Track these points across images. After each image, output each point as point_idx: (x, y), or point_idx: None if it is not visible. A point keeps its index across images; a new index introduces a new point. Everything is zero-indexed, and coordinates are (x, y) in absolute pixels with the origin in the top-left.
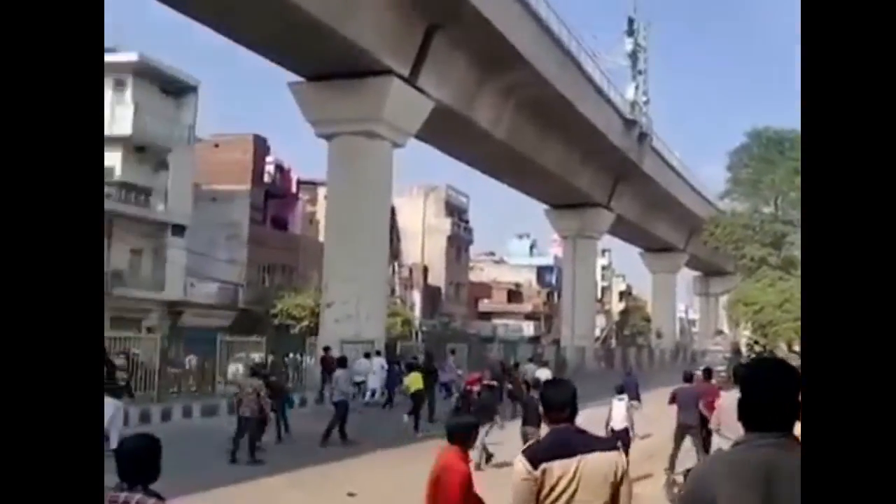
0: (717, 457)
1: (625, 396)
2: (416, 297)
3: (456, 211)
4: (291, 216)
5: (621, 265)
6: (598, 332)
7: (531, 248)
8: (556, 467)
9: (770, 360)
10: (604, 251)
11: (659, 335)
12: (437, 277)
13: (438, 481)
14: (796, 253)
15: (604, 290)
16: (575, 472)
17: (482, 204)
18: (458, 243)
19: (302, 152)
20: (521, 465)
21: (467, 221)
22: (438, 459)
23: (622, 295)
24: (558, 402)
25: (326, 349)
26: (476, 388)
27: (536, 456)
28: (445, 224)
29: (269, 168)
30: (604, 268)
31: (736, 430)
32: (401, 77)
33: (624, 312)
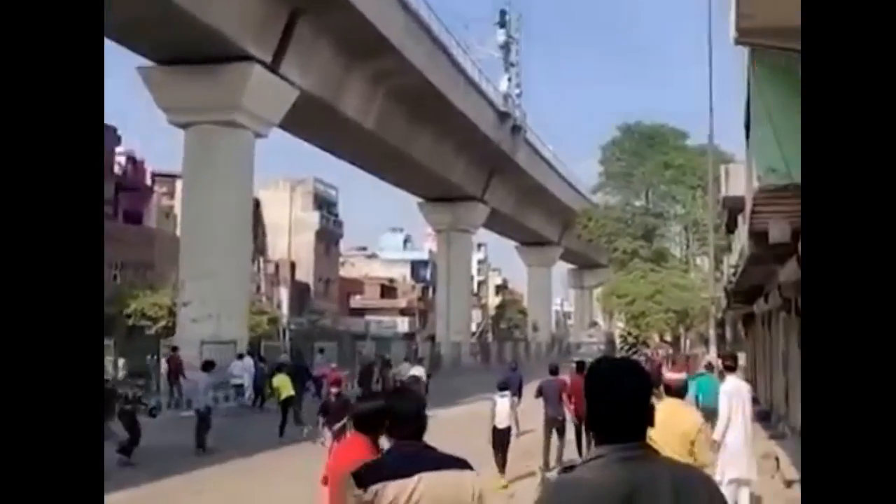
0: (567, 481)
1: (507, 393)
2: (284, 294)
3: (325, 204)
4: (146, 210)
5: (497, 259)
6: (474, 327)
7: (405, 242)
8: (391, 488)
9: (617, 359)
10: (479, 245)
11: (535, 328)
12: (306, 273)
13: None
14: (667, 245)
15: (480, 284)
16: (412, 494)
17: (354, 197)
18: (328, 238)
19: (162, 144)
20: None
21: (337, 215)
22: (339, 453)
23: (498, 289)
24: (403, 414)
25: (174, 349)
26: (334, 390)
27: (367, 476)
28: (314, 218)
29: (120, 160)
30: (480, 262)
31: None
32: (262, 63)
33: (500, 306)
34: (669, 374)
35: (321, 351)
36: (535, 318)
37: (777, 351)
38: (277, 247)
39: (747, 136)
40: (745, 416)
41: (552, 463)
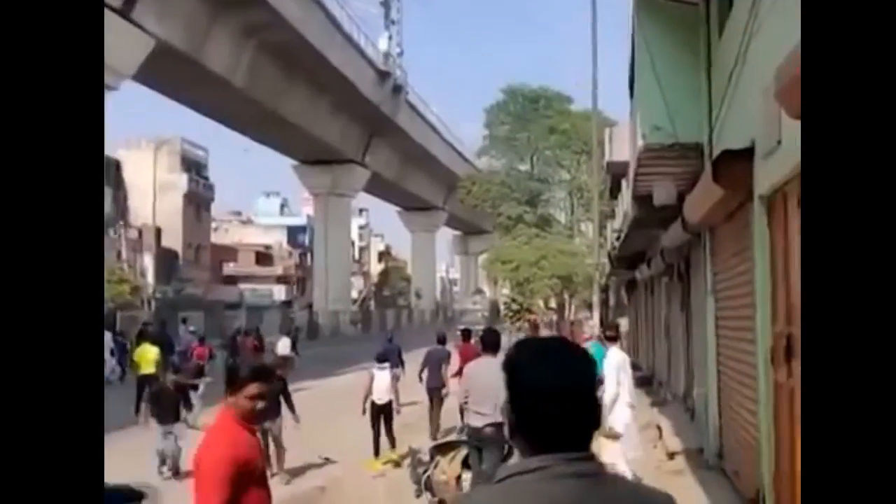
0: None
1: (387, 365)
2: (148, 261)
3: (193, 166)
4: None
5: (380, 225)
6: (355, 295)
7: (282, 207)
8: None
9: (547, 340)
10: (361, 210)
11: (418, 295)
12: (174, 239)
13: (198, 466)
14: (552, 211)
15: (361, 250)
16: None
17: (229, 160)
18: (197, 202)
19: None
20: None
21: (207, 178)
22: (211, 440)
23: (381, 255)
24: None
25: None
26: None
27: None
28: (181, 180)
29: None
30: (361, 227)
31: (484, 404)
32: (111, 8)
33: (383, 274)
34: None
35: (184, 321)
36: (418, 286)
37: (659, 316)
38: (141, 211)
39: (631, 95)
40: (630, 391)
41: (436, 435)
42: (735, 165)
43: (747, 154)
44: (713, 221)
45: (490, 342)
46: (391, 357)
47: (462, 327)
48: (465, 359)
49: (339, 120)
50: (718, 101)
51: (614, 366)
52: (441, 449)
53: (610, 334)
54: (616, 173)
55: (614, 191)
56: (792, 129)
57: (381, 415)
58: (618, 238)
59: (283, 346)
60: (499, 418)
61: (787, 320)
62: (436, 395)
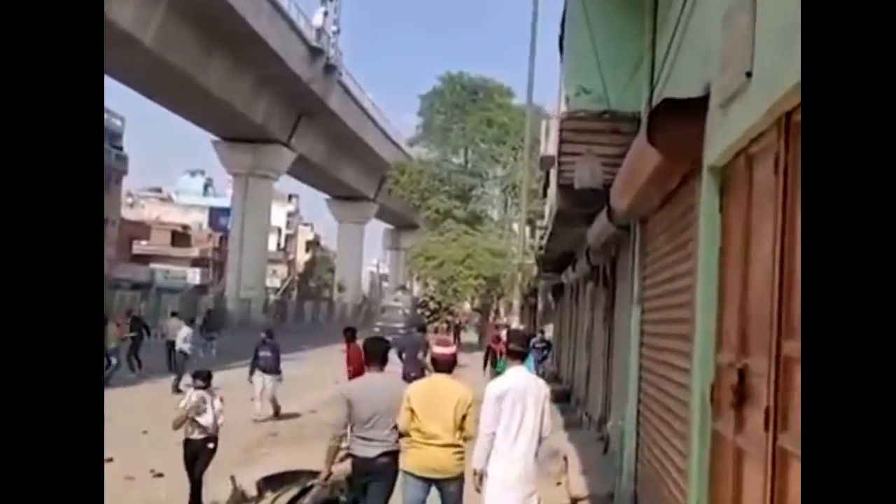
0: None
1: (202, 386)
2: None
3: (107, 135)
4: None
5: (312, 214)
6: (278, 284)
7: (206, 187)
8: None
9: None
10: (290, 196)
11: (341, 288)
12: None
13: None
14: (484, 207)
15: (289, 238)
16: None
17: (153, 135)
18: (108, 173)
19: None
20: None
21: (121, 148)
22: None
23: (309, 245)
24: None
25: None
26: None
27: None
28: None
29: None
30: (290, 214)
31: (377, 427)
32: None
33: (310, 263)
34: (437, 349)
35: None
36: (342, 278)
37: (582, 326)
38: None
39: (561, 58)
40: (528, 434)
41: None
42: (679, 122)
43: (697, 106)
44: (645, 208)
45: (375, 353)
46: (266, 360)
47: (348, 325)
48: (353, 361)
49: (265, 96)
50: (662, 62)
51: (496, 394)
52: (271, 483)
53: (513, 347)
54: (550, 169)
55: (547, 187)
56: (773, 51)
57: (196, 457)
58: (543, 236)
59: (183, 336)
60: (394, 444)
61: (740, 347)
62: None
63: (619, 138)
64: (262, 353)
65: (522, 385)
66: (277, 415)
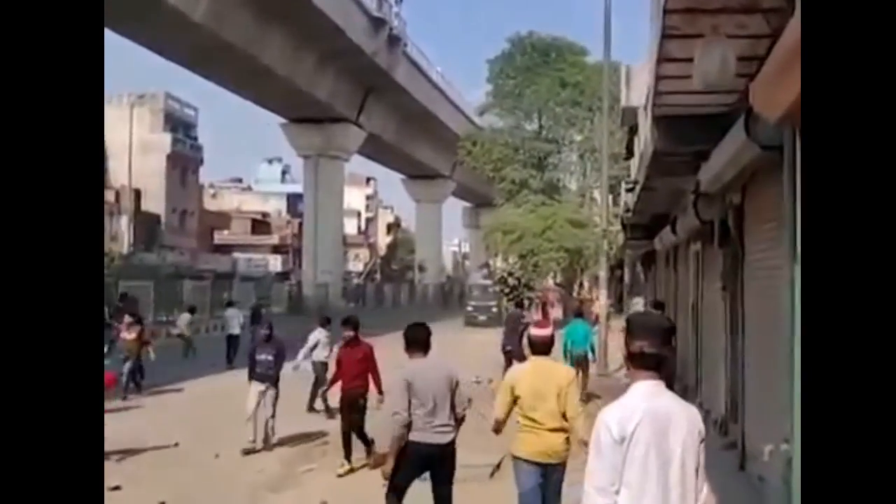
0: None
1: None
2: (125, 224)
3: (180, 125)
4: None
5: (389, 196)
6: (361, 268)
7: (283, 173)
8: None
9: None
10: (368, 179)
11: (421, 269)
12: (156, 203)
13: None
14: (561, 175)
15: (369, 221)
16: None
17: (232, 124)
18: (184, 164)
19: None
20: None
21: (196, 138)
22: None
23: (390, 227)
24: None
25: None
26: None
27: None
28: (165, 140)
29: None
30: (369, 197)
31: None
32: None
33: (392, 245)
34: (535, 331)
35: (122, 297)
36: (422, 258)
37: (685, 297)
38: (120, 173)
39: None
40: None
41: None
42: None
43: None
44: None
45: (418, 339)
46: (266, 366)
47: (346, 316)
48: (345, 373)
49: (329, 72)
50: None
51: (607, 436)
52: None
53: (640, 348)
54: (634, 125)
55: (631, 147)
56: None
57: None
58: (631, 190)
59: (183, 321)
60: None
61: None
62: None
63: (756, 20)
64: (259, 357)
65: (665, 413)
66: (267, 444)
